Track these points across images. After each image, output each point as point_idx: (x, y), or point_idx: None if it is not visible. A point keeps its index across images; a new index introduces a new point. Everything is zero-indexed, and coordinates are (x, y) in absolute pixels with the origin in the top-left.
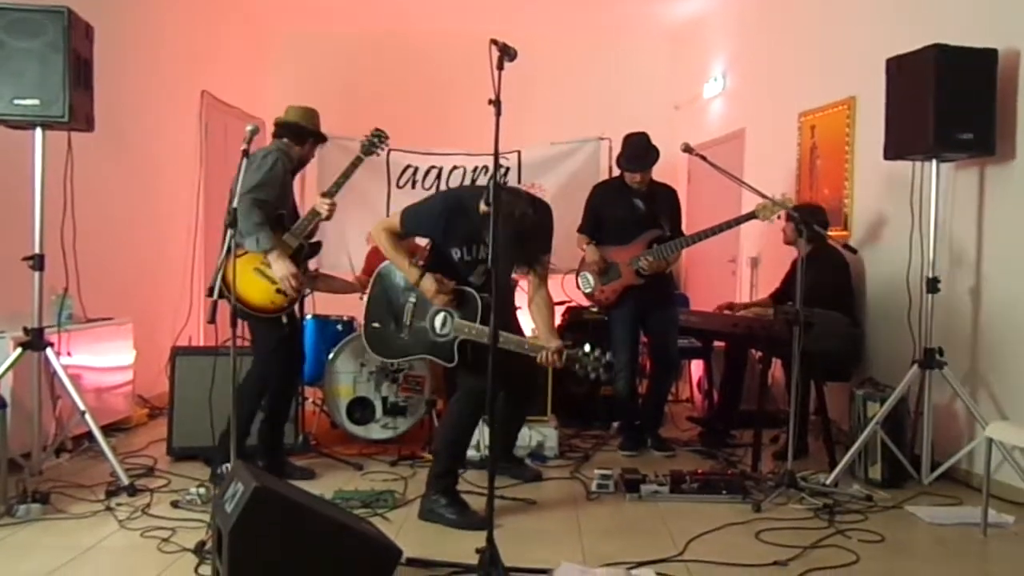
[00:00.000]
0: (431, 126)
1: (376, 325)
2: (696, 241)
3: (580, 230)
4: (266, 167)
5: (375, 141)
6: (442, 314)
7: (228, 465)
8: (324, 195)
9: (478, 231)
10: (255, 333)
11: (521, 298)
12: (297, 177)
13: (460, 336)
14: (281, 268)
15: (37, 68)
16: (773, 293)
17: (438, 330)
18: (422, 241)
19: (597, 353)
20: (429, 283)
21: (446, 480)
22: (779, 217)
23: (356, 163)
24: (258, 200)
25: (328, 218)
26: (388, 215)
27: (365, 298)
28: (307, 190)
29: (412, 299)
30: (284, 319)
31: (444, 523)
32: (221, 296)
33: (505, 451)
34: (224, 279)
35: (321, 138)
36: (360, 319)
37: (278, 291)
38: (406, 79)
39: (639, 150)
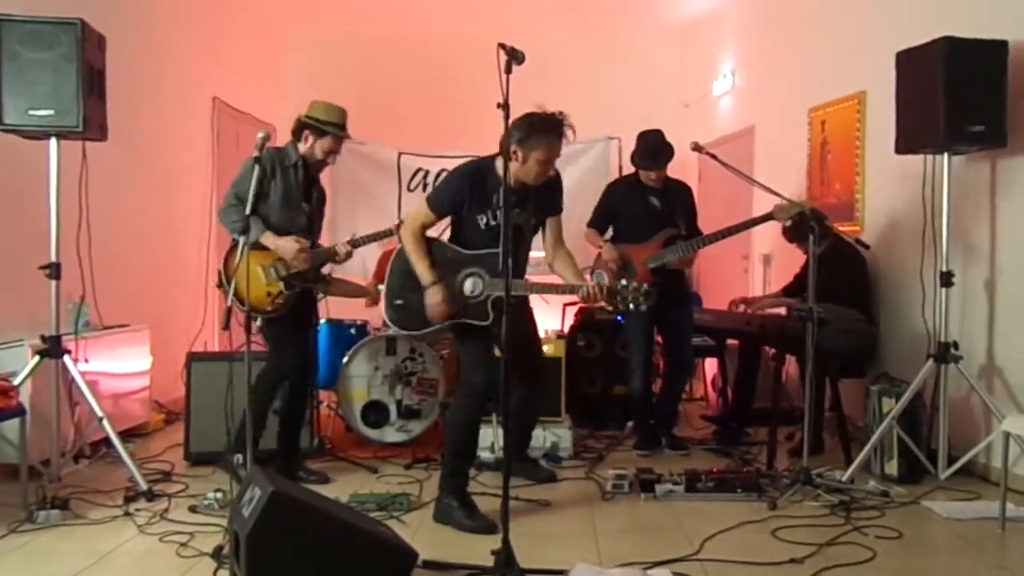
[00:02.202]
0: (441, 129)
1: (399, 302)
2: (713, 241)
3: (590, 224)
4: (243, 166)
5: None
6: (472, 277)
7: (240, 456)
8: (350, 242)
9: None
10: (266, 333)
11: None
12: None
13: (493, 294)
14: (284, 247)
15: (51, 79)
16: (785, 287)
17: (468, 292)
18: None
19: (635, 284)
20: (433, 296)
21: (454, 481)
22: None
23: (387, 233)
24: (234, 197)
25: (341, 262)
26: (399, 218)
27: (382, 291)
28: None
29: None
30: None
31: (454, 526)
32: (222, 287)
33: (519, 451)
34: (226, 270)
35: (319, 129)
36: (373, 324)
37: (275, 292)
38: (416, 82)
39: (654, 147)
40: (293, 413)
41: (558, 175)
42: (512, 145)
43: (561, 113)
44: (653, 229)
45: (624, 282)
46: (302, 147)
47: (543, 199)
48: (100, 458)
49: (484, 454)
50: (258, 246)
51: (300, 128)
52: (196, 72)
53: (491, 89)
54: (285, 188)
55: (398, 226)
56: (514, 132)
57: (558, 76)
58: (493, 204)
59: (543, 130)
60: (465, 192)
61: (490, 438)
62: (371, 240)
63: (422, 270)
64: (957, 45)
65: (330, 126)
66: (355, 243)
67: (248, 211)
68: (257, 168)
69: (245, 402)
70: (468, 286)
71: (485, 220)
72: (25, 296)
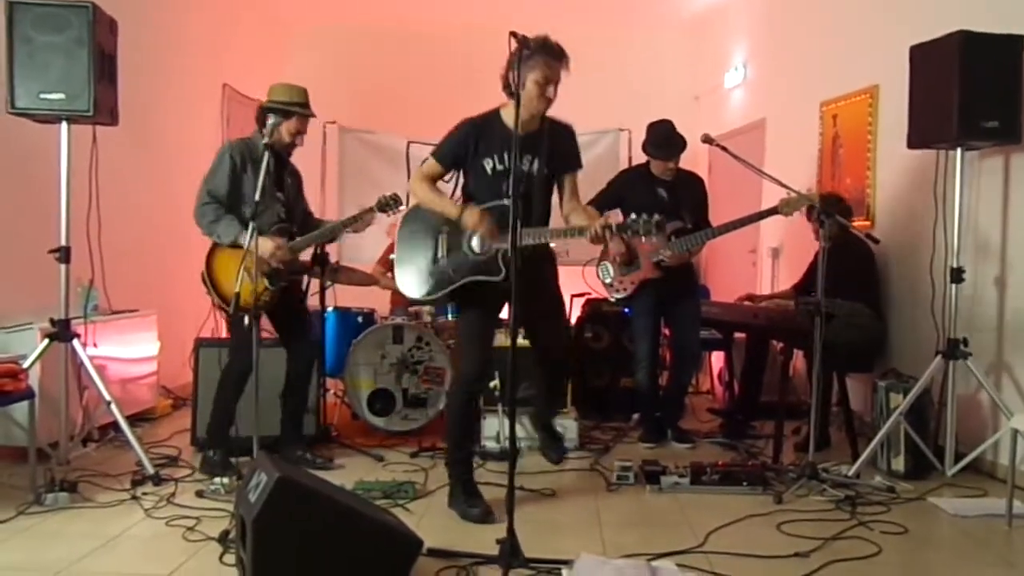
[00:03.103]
0: (450, 118)
1: (415, 267)
2: (717, 235)
3: (591, 202)
4: (213, 162)
5: (390, 203)
6: (477, 235)
7: (214, 452)
8: (344, 224)
9: (507, 138)
10: (231, 328)
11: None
12: (316, 166)
13: (502, 248)
14: (261, 246)
15: (62, 63)
16: (796, 284)
17: (477, 250)
18: None
19: (645, 216)
20: (470, 215)
21: (457, 469)
22: (800, 212)
23: (367, 212)
24: (207, 196)
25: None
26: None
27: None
28: (327, 177)
29: (444, 230)
30: (246, 319)
31: (458, 513)
32: (205, 283)
33: (544, 419)
34: (208, 271)
35: (283, 111)
36: (380, 312)
37: (260, 289)
38: (425, 72)
39: (666, 138)
40: (292, 398)
41: (570, 129)
42: (508, 74)
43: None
44: None
45: (633, 216)
46: (265, 133)
47: (556, 146)
48: (108, 442)
49: (490, 444)
50: (236, 245)
51: (264, 114)
52: (206, 58)
53: (499, 78)
54: (257, 180)
55: (370, 210)
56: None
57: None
58: (499, 148)
59: (539, 50)
60: (471, 139)
61: (495, 428)
62: (350, 223)
63: (444, 206)
64: (972, 39)
65: (294, 106)
66: (340, 225)
67: (255, 198)
68: (226, 157)
69: (253, 390)
70: (475, 243)
71: (492, 164)
72: (35, 279)
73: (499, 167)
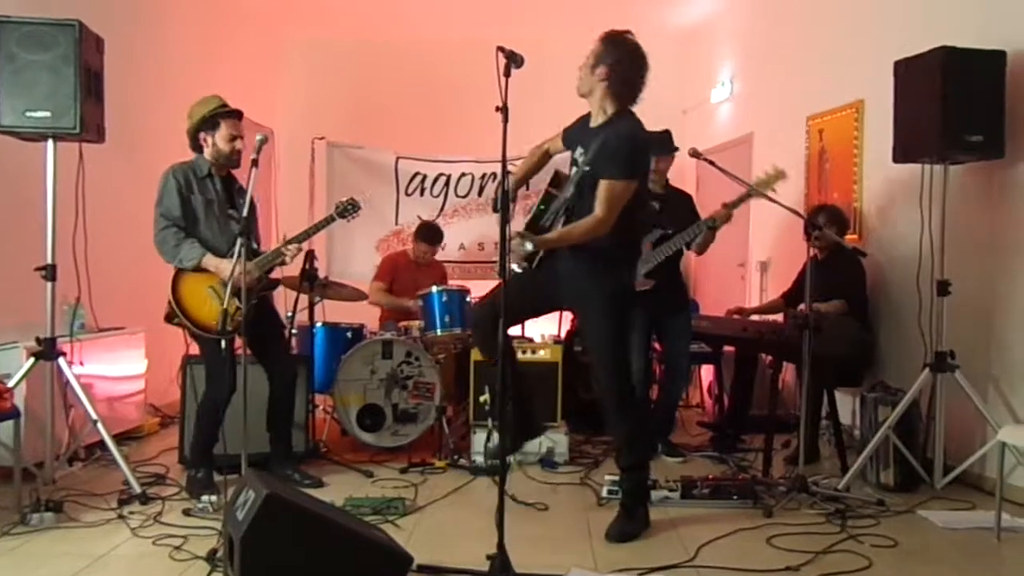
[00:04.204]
0: (439, 133)
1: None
2: (695, 235)
3: None
4: (159, 189)
5: (349, 208)
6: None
7: (197, 471)
8: (291, 241)
9: (583, 132)
10: (204, 352)
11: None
12: (304, 182)
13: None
14: (225, 269)
15: (49, 80)
16: (785, 293)
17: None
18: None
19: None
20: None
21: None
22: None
23: (328, 220)
24: (163, 220)
25: (288, 264)
26: (397, 223)
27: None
28: (316, 194)
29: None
30: (223, 343)
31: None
32: (171, 321)
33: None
34: (176, 299)
35: (208, 123)
36: (370, 327)
37: (232, 310)
38: (414, 86)
39: (662, 136)
40: (277, 419)
41: (621, 135)
42: (601, 66)
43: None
44: (645, 231)
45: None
46: (207, 153)
47: (597, 146)
48: (94, 461)
49: (479, 458)
50: (201, 268)
51: (194, 137)
52: (195, 75)
53: (487, 93)
54: (206, 200)
55: (331, 217)
56: (605, 54)
57: (556, 81)
58: (577, 140)
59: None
60: (572, 129)
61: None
62: (313, 232)
63: None
64: (955, 55)
65: (214, 112)
66: (297, 239)
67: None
68: (169, 179)
69: (241, 408)
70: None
71: (572, 157)
72: (21, 298)
73: (574, 158)
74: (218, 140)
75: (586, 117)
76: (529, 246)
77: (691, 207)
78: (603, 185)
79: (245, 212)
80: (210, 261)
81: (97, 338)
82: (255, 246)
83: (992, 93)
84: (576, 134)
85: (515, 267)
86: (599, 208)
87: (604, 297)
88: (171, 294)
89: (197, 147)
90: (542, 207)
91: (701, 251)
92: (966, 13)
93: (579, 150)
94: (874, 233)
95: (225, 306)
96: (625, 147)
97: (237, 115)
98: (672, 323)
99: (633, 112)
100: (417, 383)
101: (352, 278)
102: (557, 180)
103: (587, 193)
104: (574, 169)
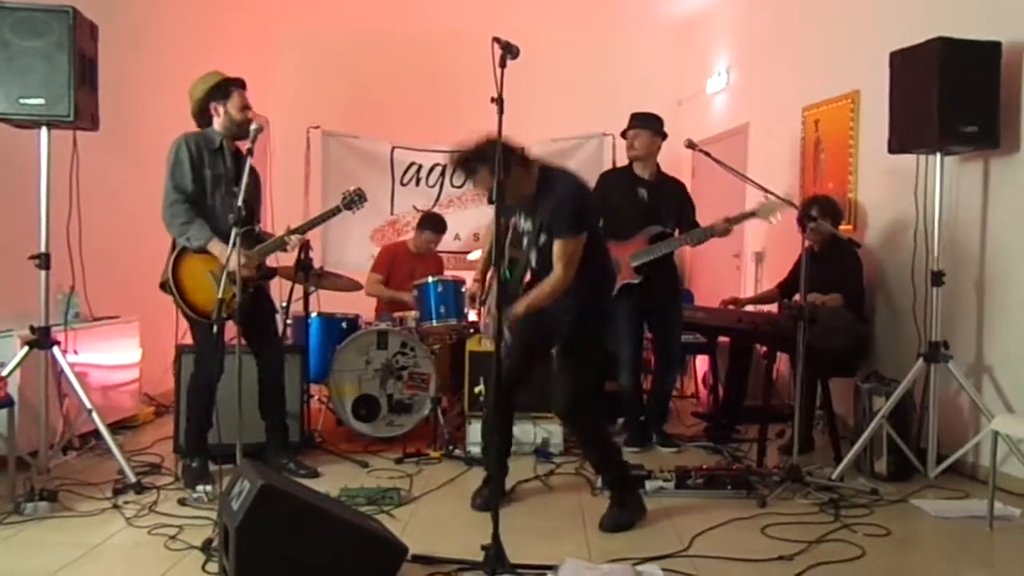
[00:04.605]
0: (434, 123)
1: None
2: (691, 240)
3: None
4: (170, 157)
5: (355, 199)
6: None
7: (192, 460)
8: (294, 231)
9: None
10: (196, 335)
11: None
12: (300, 171)
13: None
14: (231, 258)
15: (42, 67)
16: (781, 283)
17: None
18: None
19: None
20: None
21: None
22: (779, 219)
23: (334, 212)
24: (175, 192)
25: (288, 251)
26: (392, 213)
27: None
28: (311, 182)
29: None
30: (215, 328)
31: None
32: (165, 291)
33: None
34: (175, 278)
35: (219, 92)
36: (365, 317)
37: (228, 297)
38: (409, 77)
39: (645, 116)
40: (270, 404)
41: (562, 194)
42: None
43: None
44: (639, 225)
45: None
46: (217, 123)
47: (542, 215)
48: (89, 450)
49: (475, 449)
50: (203, 251)
51: (203, 109)
52: (189, 63)
53: (484, 84)
54: (215, 175)
55: (336, 208)
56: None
57: (551, 72)
58: (515, 210)
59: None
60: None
61: (479, 433)
62: (319, 222)
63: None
64: (951, 46)
65: (224, 83)
66: (300, 230)
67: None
68: (181, 148)
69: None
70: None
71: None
72: (14, 286)
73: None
74: (231, 108)
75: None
76: (505, 329)
77: (683, 195)
78: (557, 244)
79: (240, 201)
80: (215, 247)
81: (91, 327)
82: (257, 230)
83: (987, 84)
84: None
85: (492, 341)
86: (558, 266)
87: (573, 319)
88: (171, 271)
89: (206, 120)
90: (507, 275)
91: (694, 245)
92: (962, 4)
93: (521, 218)
94: (869, 224)
95: (221, 295)
96: (568, 207)
97: (244, 85)
98: (664, 313)
99: (554, 166)
100: (412, 373)
101: (347, 268)
102: (516, 237)
103: (546, 254)
104: (524, 235)
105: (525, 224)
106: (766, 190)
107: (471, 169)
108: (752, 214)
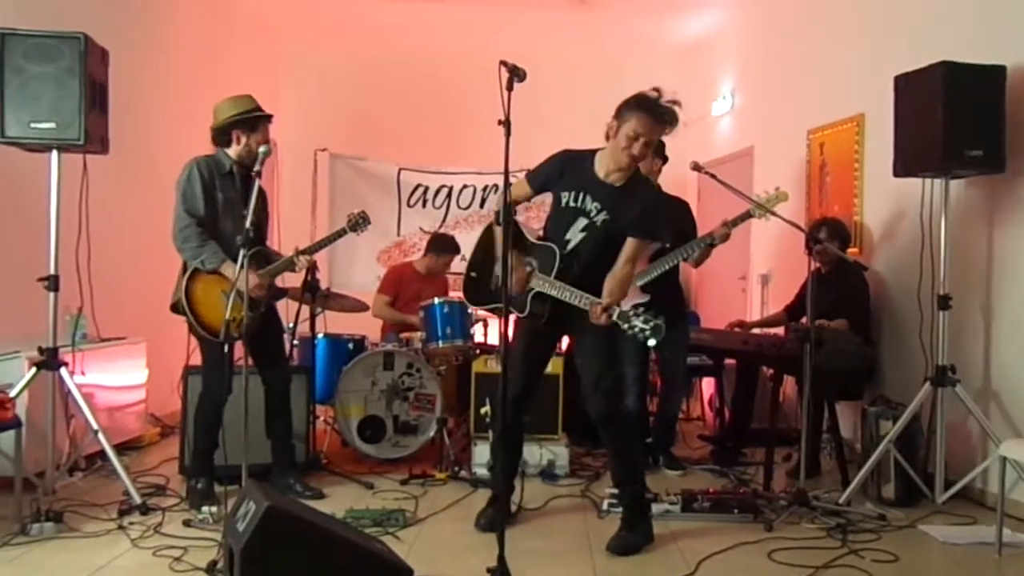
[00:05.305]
0: (441, 145)
1: (474, 274)
2: (691, 250)
3: None
4: (182, 181)
5: (360, 222)
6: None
7: (197, 481)
8: (303, 252)
9: (588, 180)
10: (206, 355)
11: None
12: (307, 193)
13: (535, 288)
14: (242, 279)
15: (54, 92)
16: (788, 306)
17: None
18: None
19: (647, 315)
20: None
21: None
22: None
23: (340, 234)
24: (187, 217)
25: (296, 272)
26: (399, 234)
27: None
28: (318, 204)
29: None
30: (225, 347)
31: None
32: (177, 311)
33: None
34: (188, 298)
35: (247, 124)
36: (372, 338)
37: (239, 319)
38: (416, 99)
39: None
40: (276, 425)
41: (658, 200)
42: (611, 120)
43: (672, 100)
44: None
45: (640, 310)
46: (234, 150)
47: (631, 208)
48: (95, 471)
49: (481, 471)
50: (216, 272)
51: (225, 131)
52: (198, 87)
53: (489, 106)
54: (225, 198)
55: (342, 231)
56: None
57: (557, 95)
58: (577, 186)
59: (637, 105)
60: (559, 167)
61: (487, 455)
62: (326, 244)
63: (501, 248)
64: (955, 69)
65: (253, 113)
66: (308, 251)
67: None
68: (193, 172)
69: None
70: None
71: (566, 200)
72: (23, 308)
73: (572, 204)
74: (252, 142)
75: (577, 161)
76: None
77: (685, 215)
78: (634, 243)
79: (248, 223)
80: (228, 268)
81: (99, 348)
82: (267, 250)
83: (992, 108)
84: (576, 180)
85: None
86: (627, 265)
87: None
88: (184, 291)
89: (225, 142)
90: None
91: (697, 264)
92: (966, 28)
93: (587, 199)
94: (875, 247)
95: (229, 316)
96: (657, 213)
97: (270, 117)
98: (669, 334)
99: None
100: (418, 395)
101: (354, 289)
102: (521, 243)
103: (591, 247)
104: (578, 216)
105: (584, 204)
106: (771, 212)
107: (669, 122)
108: (748, 215)
